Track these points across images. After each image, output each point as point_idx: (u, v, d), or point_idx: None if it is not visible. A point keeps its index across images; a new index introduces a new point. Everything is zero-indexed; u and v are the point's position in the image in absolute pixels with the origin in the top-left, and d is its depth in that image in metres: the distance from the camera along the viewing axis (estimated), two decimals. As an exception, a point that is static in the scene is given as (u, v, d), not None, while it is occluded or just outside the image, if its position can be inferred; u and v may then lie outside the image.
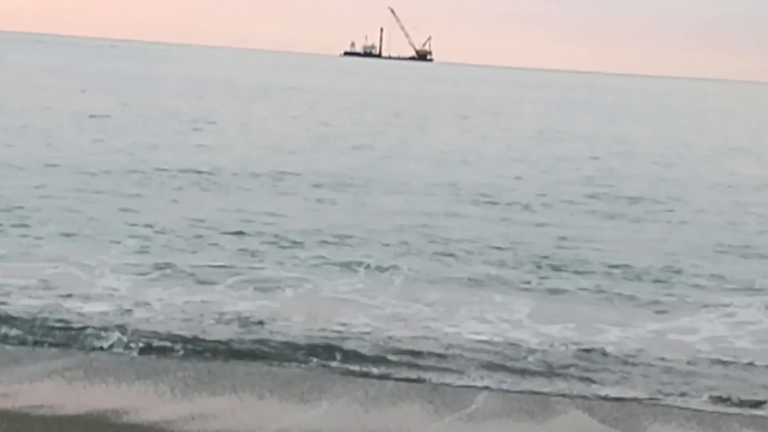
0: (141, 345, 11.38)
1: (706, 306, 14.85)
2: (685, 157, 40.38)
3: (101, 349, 11.27)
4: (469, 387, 10.65)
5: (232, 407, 9.44)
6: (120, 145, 31.43)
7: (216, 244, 17.14)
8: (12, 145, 29.58)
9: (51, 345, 11.29)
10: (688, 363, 12.08)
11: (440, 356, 11.75)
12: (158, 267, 15.25)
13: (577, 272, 16.62)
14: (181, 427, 8.84)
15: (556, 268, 16.82)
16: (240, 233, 18.13)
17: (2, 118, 37.83)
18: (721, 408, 10.42)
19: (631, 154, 40.31)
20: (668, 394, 10.78)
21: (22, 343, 11.30)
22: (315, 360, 11.32)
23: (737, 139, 53.02)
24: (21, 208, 19.24)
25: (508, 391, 10.62)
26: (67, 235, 17.22)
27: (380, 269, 16.04)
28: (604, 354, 12.14)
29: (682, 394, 10.83)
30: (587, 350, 12.24)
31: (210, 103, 55.95)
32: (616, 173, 32.22)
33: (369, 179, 26.90)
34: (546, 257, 17.61)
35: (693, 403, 10.49)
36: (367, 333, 12.54)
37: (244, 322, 12.66)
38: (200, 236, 17.75)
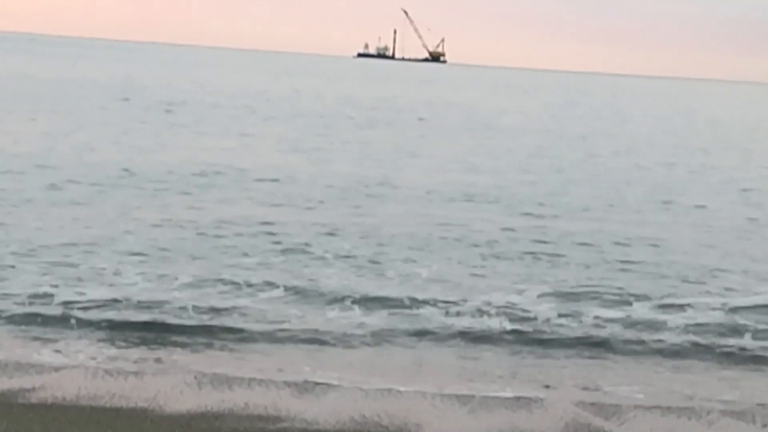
0: (137, 342, 11.47)
1: (703, 297, 15.02)
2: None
3: (103, 344, 11.36)
4: (467, 380, 10.75)
5: (237, 403, 9.44)
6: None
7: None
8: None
9: (51, 341, 11.38)
10: (678, 353, 12.27)
11: (438, 349, 11.85)
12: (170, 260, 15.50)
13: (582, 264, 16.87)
14: (182, 424, 8.82)
15: (558, 261, 17.08)
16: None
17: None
18: (706, 399, 10.58)
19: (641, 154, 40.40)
20: (658, 384, 10.97)
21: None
22: (318, 353, 11.43)
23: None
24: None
25: (504, 382, 10.77)
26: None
27: (381, 261, 16.27)
28: (598, 345, 12.37)
29: (671, 384, 11.03)
30: (580, 341, 12.45)
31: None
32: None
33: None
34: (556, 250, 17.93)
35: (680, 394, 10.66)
36: (369, 325, 12.64)
37: (249, 315, 12.79)
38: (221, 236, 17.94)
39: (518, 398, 10.14)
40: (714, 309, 14.17)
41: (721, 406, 10.30)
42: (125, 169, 25.36)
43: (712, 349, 12.57)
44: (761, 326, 13.45)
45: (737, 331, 13.24)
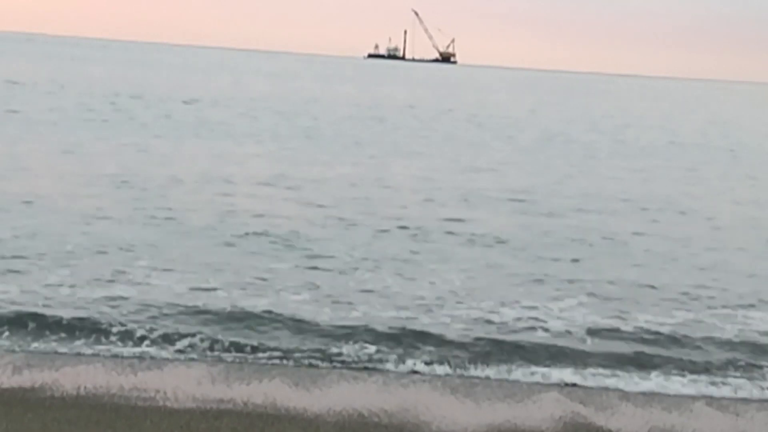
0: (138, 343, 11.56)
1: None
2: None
3: (105, 343, 11.43)
4: (469, 376, 10.90)
5: (236, 403, 9.46)
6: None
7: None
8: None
9: (56, 341, 11.45)
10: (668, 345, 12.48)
11: (439, 344, 11.96)
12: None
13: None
14: (182, 424, 8.83)
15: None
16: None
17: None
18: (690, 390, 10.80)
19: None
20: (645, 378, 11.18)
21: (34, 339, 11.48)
22: (324, 349, 11.56)
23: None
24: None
25: (505, 373, 11.02)
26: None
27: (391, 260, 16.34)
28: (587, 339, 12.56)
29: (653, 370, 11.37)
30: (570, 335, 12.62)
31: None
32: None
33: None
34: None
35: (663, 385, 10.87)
36: (374, 326, 12.65)
37: (257, 314, 12.86)
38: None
39: (517, 396, 10.16)
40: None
41: (720, 404, 10.32)
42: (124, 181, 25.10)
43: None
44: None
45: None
